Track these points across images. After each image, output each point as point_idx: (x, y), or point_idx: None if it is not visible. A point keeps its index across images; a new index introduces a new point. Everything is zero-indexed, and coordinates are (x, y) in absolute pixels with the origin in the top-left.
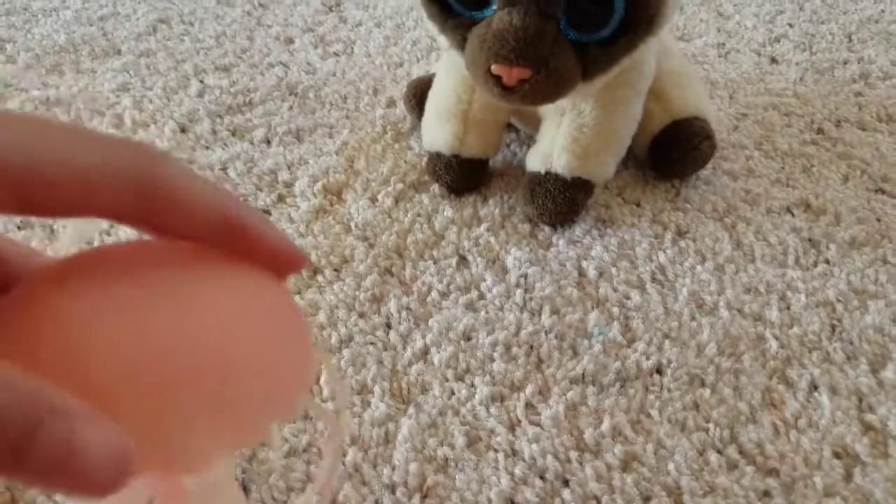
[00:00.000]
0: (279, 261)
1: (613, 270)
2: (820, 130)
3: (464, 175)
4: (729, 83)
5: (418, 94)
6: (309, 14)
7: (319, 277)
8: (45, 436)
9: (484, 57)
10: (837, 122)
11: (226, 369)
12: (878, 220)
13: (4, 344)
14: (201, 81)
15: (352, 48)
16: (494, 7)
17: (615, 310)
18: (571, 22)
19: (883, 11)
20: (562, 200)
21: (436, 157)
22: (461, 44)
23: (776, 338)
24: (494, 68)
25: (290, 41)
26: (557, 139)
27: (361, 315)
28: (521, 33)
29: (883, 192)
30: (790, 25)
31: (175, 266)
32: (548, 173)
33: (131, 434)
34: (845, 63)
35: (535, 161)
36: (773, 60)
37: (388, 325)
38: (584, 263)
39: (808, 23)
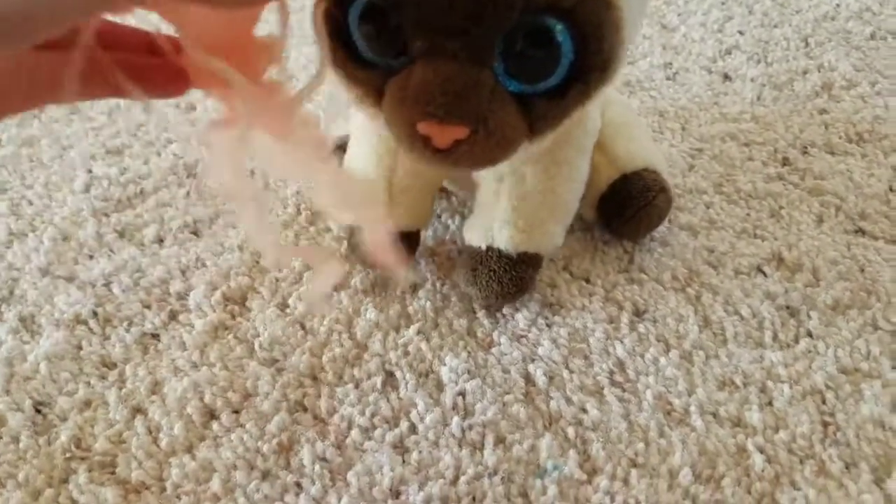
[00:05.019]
0: None
1: (565, 374)
2: (785, 161)
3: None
4: (680, 112)
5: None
6: None
7: (215, 425)
8: None
9: (406, 114)
10: (804, 149)
11: None
12: (862, 271)
13: None
14: (89, 171)
15: None
16: (414, 54)
17: (570, 431)
18: (510, 70)
19: (838, 6)
20: (508, 280)
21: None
22: (376, 100)
23: (760, 449)
24: (422, 127)
25: (192, 108)
26: (497, 211)
27: (265, 475)
28: (449, 85)
29: (863, 232)
30: (741, 33)
31: None
32: (490, 249)
33: None
34: (805, 73)
35: (475, 234)
36: (727, 77)
37: (299, 486)
38: (530, 367)
39: (760, 28)
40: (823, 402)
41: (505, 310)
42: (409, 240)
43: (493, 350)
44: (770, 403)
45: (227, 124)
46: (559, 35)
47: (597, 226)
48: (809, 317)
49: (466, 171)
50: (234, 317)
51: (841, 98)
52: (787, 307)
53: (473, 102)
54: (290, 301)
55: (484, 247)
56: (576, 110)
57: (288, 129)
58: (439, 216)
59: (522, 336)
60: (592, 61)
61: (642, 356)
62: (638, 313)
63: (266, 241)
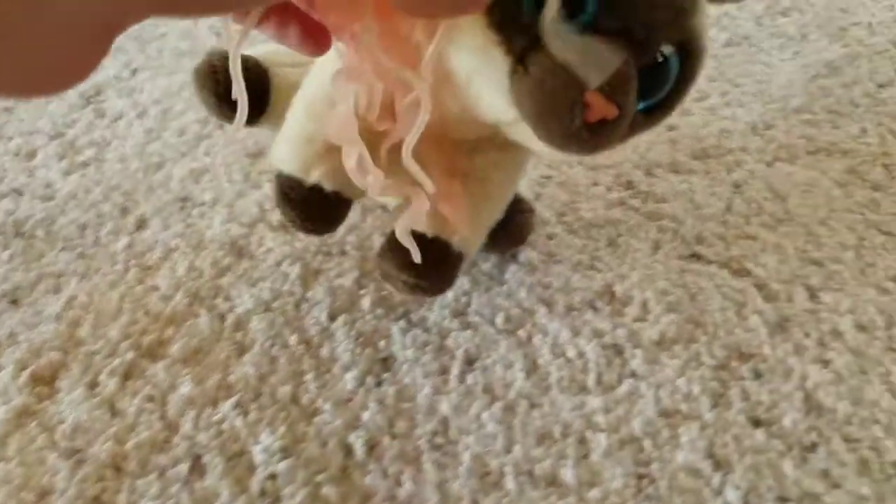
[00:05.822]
0: None
1: (386, 441)
2: (629, 184)
3: (330, 211)
4: None
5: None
6: (61, 112)
7: None
8: None
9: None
10: (648, 170)
11: None
12: (692, 300)
13: None
14: None
15: (104, 152)
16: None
17: None
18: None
19: None
20: (448, 274)
21: (296, 184)
22: (519, 57)
23: None
24: (590, 95)
25: (32, 155)
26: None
27: None
28: (629, 67)
29: (697, 257)
30: None
31: None
32: (437, 239)
33: None
34: None
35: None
36: None
37: None
38: (351, 437)
39: None
40: (641, 451)
41: (335, 370)
42: (344, 207)
43: (315, 420)
44: (586, 456)
45: (352, 74)
46: (673, 63)
47: None
48: (634, 355)
49: (581, 152)
50: (40, 400)
51: (690, 111)
52: (614, 345)
53: (631, 90)
54: (102, 378)
55: (430, 235)
56: (640, 133)
57: (412, 59)
58: (279, 264)
59: (349, 399)
60: (683, 91)
61: (467, 412)
62: (469, 362)
63: (367, 180)
